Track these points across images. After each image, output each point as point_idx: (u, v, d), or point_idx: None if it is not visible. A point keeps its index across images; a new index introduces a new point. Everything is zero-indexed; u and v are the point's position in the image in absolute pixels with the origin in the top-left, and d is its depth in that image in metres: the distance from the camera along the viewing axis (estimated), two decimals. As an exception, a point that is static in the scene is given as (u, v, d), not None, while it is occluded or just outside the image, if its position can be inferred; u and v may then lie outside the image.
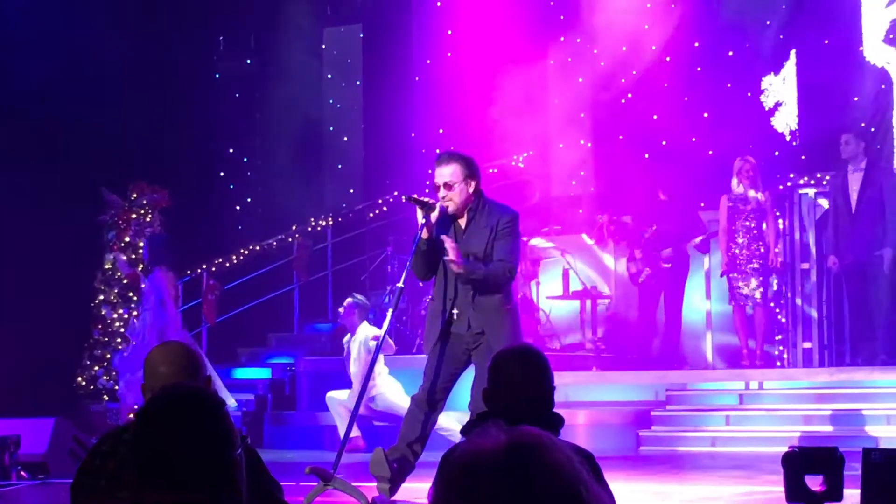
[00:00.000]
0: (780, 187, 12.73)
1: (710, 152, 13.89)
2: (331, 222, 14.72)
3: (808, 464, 3.91)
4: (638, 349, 12.81)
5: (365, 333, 11.00)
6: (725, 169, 12.25)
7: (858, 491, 3.94)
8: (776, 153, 13.91)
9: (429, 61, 15.74)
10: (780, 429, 10.34)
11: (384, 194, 14.89)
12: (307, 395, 12.45)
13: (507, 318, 7.07)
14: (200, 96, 15.06)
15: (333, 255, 14.68)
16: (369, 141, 16.40)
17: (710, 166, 13.46)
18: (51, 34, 12.99)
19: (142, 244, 12.48)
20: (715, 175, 12.78)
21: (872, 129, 13.46)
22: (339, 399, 10.90)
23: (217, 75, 16.23)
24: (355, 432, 10.51)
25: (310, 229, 14.52)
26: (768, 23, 14.14)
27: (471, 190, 7.07)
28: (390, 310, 7.70)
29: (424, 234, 7.02)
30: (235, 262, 14.22)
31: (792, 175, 12.94)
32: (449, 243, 6.92)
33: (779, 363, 12.50)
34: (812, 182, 12.80)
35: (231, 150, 16.23)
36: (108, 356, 12.92)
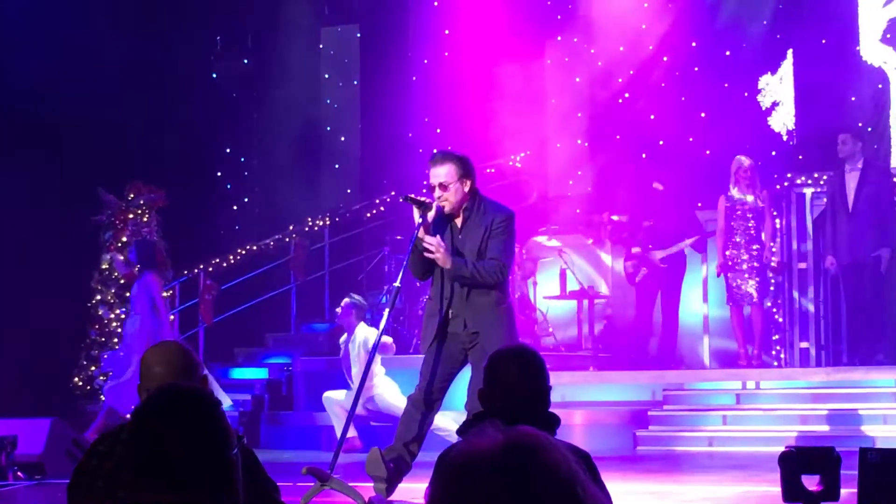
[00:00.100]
0: (778, 187, 12.74)
1: (708, 152, 13.91)
2: (328, 222, 14.71)
3: (804, 463, 3.90)
4: (635, 349, 12.82)
5: (364, 334, 10.98)
6: (723, 168, 12.26)
7: (855, 491, 3.94)
8: (773, 153, 13.92)
9: (426, 61, 15.74)
10: (777, 428, 10.34)
11: (381, 194, 14.89)
12: (304, 395, 12.44)
13: (502, 316, 7.06)
14: (198, 96, 15.05)
15: (331, 255, 14.67)
16: (367, 141, 16.40)
17: (708, 166, 13.47)
18: (49, 34, 12.99)
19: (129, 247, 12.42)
20: (712, 175, 12.79)
21: (869, 129, 13.48)
22: (336, 399, 10.89)
23: (214, 75, 16.22)
24: (352, 432, 10.51)
25: (307, 229, 14.51)
26: (765, 23, 14.16)
27: (466, 189, 7.07)
28: (387, 309, 7.71)
29: (421, 234, 7.02)
30: (232, 262, 14.21)
31: (789, 175, 12.95)
32: (428, 238, 6.92)
33: (776, 363, 12.51)
34: (809, 182, 12.81)
35: (228, 150, 16.22)
36: (105, 356, 12.91)
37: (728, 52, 14.34)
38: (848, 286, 11.88)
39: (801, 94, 14.02)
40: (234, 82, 16.33)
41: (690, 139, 14.18)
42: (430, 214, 7.03)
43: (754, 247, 11.88)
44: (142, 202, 13.36)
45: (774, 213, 12.27)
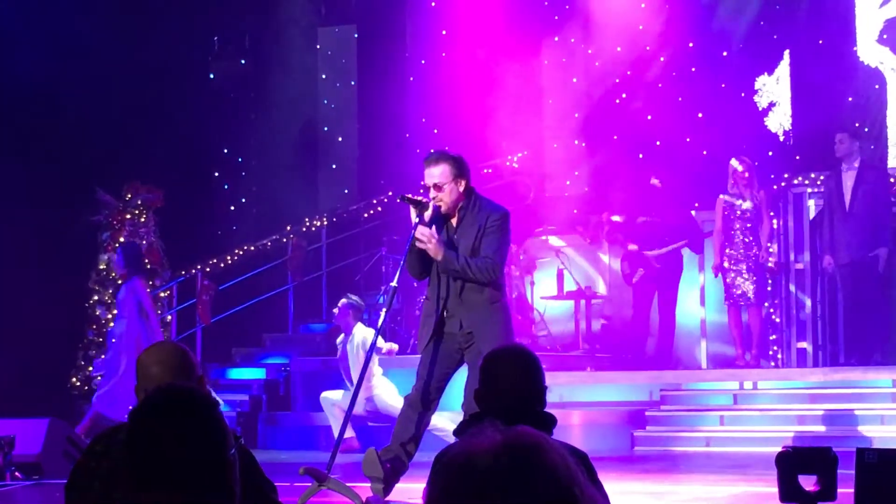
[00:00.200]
0: (775, 187, 12.74)
1: (705, 152, 13.91)
2: (325, 222, 14.71)
3: (801, 464, 3.91)
4: (632, 349, 12.81)
5: (363, 335, 10.98)
6: (720, 169, 12.26)
7: (852, 491, 3.94)
8: (770, 153, 13.92)
9: (423, 61, 15.74)
10: (775, 429, 10.35)
11: (379, 194, 14.89)
12: (301, 395, 12.44)
13: (496, 314, 7.04)
14: (195, 97, 15.04)
15: (328, 256, 14.67)
16: (364, 141, 16.39)
17: (705, 166, 13.48)
18: (46, 34, 12.98)
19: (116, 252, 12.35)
20: (709, 175, 12.79)
21: (866, 129, 13.48)
22: (334, 399, 10.89)
23: (211, 75, 16.21)
24: (350, 433, 10.51)
25: (304, 229, 14.51)
26: (762, 23, 14.16)
27: (461, 189, 7.06)
28: (384, 309, 7.71)
29: (418, 234, 7.01)
30: (230, 262, 14.21)
31: (786, 175, 12.95)
32: (421, 228, 6.92)
33: (773, 363, 12.50)
34: (806, 182, 12.81)
35: (226, 151, 16.20)
36: (103, 357, 12.91)
37: (725, 53, 14.34)
38: (845, 286, 11.88)
39: (798, 95, 14.03)
40: (231, 83, 16.32)
41: (687, 139, 14.18)
42: (427, 214, 7.03)
43: (751, 246, 11.88)
44: (139, 202, 13.35)
45: (772, 214, 12.27)
